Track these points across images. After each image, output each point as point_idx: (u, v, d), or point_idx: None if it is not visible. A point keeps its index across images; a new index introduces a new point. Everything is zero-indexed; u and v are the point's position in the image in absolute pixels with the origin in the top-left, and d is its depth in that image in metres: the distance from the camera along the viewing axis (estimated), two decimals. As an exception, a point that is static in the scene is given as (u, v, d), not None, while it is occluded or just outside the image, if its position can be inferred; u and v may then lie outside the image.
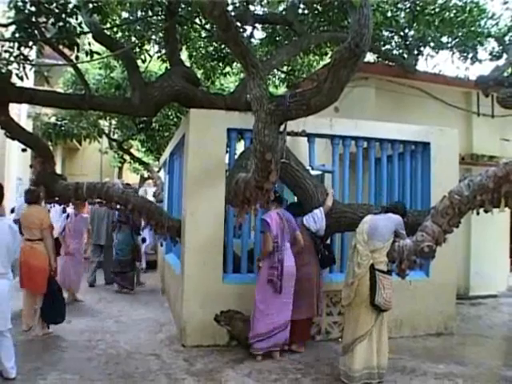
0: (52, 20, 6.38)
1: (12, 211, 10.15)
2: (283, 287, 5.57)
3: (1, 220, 4.83)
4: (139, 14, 8.67)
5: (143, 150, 15.69)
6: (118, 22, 8.78)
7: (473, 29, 9.12)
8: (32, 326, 6.25)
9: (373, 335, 4.83)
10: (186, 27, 9.14)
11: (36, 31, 6.37)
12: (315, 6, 8.57)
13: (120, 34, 8.89)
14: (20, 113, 13.34)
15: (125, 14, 8.92)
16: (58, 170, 11.60)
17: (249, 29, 8.81)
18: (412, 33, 9.54)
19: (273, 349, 5.63)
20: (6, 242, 4.69)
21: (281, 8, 9.07)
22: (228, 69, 10.35)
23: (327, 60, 10.03)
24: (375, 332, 4.85)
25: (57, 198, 6.81)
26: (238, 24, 7.30)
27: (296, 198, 6.75)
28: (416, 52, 9.74)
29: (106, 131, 14.25)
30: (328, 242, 6.52)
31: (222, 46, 9.35)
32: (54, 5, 6.31)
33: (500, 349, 6.70)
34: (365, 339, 4.81)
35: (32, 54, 7.03)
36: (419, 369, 5.40)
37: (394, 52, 10.02)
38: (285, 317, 5.62)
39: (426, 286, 6.77)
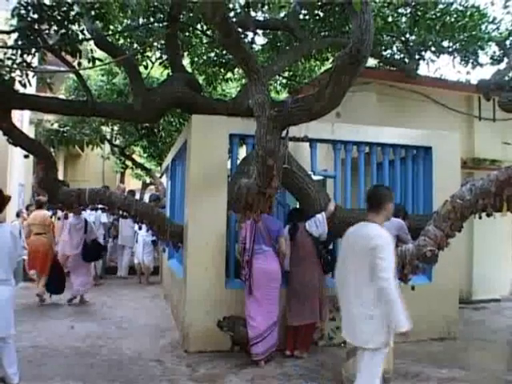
0: (54, 27, 6.43)
1: (17, 215, 10.59)
2: (255, 288, 5.63)
3: (1, 226, 4.81)
4: (141, 20, 8.71)
5: (145, 155, 15.72)
6: (120, 28, 8.81)
7: (474, 33, 9.13)
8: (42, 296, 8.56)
9: None
10: (187, 33, 9.17)
11: (38, 38, 6.40)
12: (316, 11, 8.59)
13: (122, 41, 8.93)
14: (22, 119, 13.36)
15: (127, 21, 8.95)
16: (60, 175, 11.67)
17: (250, 34, 8.85)
18: (413, 37, 9.56)
19: (267, 353, 5.63)
20: (8, 248, 4.70)
21: (282, 14, 9.10)
22: (230, 75, 10.37)
23: (328, 65, 10.06)
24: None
25: (60, 204, 6.85)
26: (240, 30, 7.32)
27: (298, 203, 6.75)
28: (417, 57, 9.76)
29: (108, 137, 14.28)
30: (330, 247, 6.52)
31: (224, 52, 9.38)
32: (57, 12, 6.35)
33: (503, 353, 6.68)
34: None
35: (35, 60, 7.06)
36: (422, 373, 5.39)
37: (396, 57, 10.05)
38: (269, 319, 5.65)
39: (428, 290, 6.75)
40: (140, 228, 10.41)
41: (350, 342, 3.76)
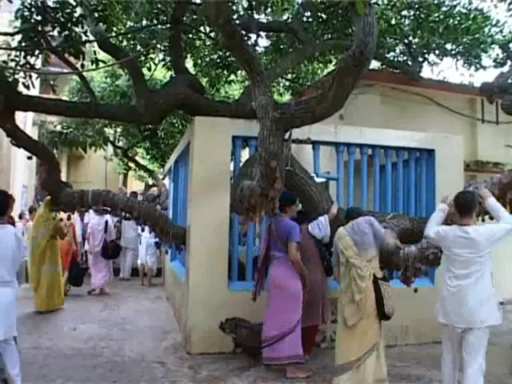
0: (58, 29, 6.46)
1: (20, 217, 10.58)
2: (269, 294, 5.47)
3: (5, 228, 4.79)
4: (144, 22, 8.74)
5: (148, 157, 15.71)
6: (123, 30, 8.83)
7: (477, 36, 9.14)
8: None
9: (380, 346, 4.69)
10: (190, 35, 9.18)
11: (42, 40, 6.44)
12: (320, 14, 8.60)
13: (125, 43, 8.95)
14: (26, 120, 13.40)
15: (130, 23, 8.97)
16: (63, 177, 11.66)
17: (253, 37, 8.86)
18: (416, 40, 9.56)
19: (276, 362, 5.34)
20: (12, 251, 4.69)
21: (285, 16, 9.11)
22: (233, 77, 10.36)
23: (331, 68, 10.05)
24: (381, 342, 4.76)
25: (62, 206, 6.88)
26: (243, 32, 7.32)
27: (301, 205, 6.74)
28: (420, 59, 9.76)
29: (111, 139, 14.28)
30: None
31: (227, 54, 9.39)
32: (60, 14, 6.38)
33: (506, 357, 6.64)
34: (373, 352, 4.62)
35: (38, 62, 7.08)
36: (424, 376, 5.36)
37: (399, 59, 10.05)
38: (276, 327, 5.34)
39: (431, 293, 6.69)
40: (143, 230, 10.44)
41: (462, 326, 4.23)
